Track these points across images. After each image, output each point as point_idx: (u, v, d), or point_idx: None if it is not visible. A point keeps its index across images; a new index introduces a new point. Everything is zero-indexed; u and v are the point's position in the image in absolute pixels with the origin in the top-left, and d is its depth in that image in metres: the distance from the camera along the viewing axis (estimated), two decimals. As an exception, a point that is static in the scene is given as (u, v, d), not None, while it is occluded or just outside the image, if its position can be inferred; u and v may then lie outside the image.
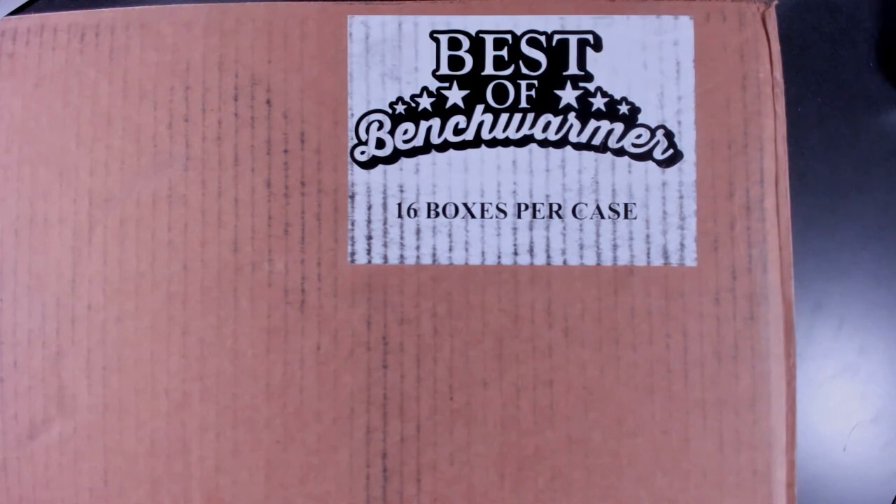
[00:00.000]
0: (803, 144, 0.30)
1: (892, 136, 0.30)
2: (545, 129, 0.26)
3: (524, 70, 0.26)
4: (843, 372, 0.30)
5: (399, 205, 0.26)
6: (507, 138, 0.26)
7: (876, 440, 0.30)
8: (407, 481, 0.25)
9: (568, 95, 0.26)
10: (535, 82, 0.26)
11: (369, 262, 0.26)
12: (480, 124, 0.26)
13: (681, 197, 0.26)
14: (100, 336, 0.26)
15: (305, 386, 0.26)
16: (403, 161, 0.26)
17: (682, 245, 0.26)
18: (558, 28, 0.26)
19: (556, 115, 0.26)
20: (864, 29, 0.31)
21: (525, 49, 0.26)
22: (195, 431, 0.25)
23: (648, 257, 0.26)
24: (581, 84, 0.26)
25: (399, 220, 0.26)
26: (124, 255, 0.26)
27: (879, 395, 0.30)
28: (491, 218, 0.26)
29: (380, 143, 0.26)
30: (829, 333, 0.30)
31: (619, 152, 0.26)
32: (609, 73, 0.26)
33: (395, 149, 0.26)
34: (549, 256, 0.26)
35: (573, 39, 0.26)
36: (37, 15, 0.27)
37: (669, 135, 0.26)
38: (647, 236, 0.26)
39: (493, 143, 0.26)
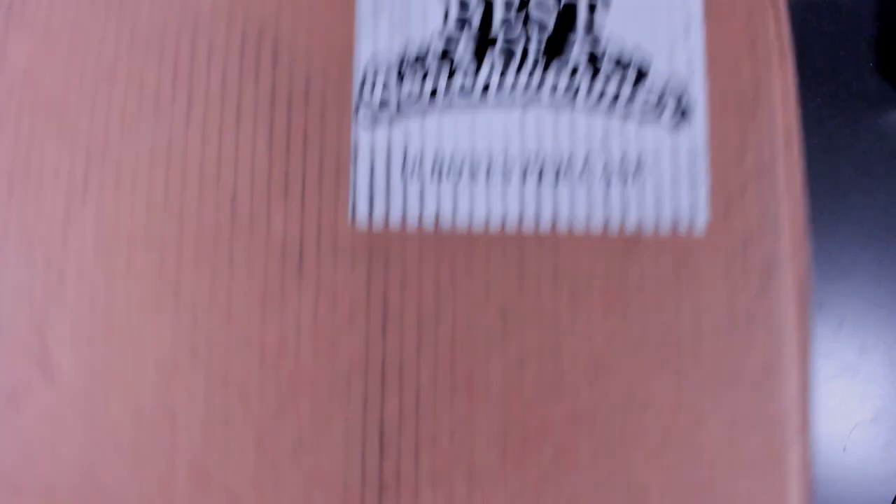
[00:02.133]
0: (803, 144, 0.30)
1: (892, 136, 0.30)
2: (553, 90, 0.26)
3: (532, 29, 0.26)
4: (843, 372, 0.29)
5: (402, 166, 0.26)
6: (514, 100, 0.26)
7: (876, 440, 0.29)
8: (405, 458, 0.24)
9: (576, 56, 0.26)
10: (544, 42, 0.26)
11: (370, 224, 0.25)
12: (487, 85, 0.26)
13: (690, 161, 0.25)
14: (89, 300, 0.25)
15: (301, 353, 0.25)
16: (408, 121, 0.26)
17: (691, 211, 0.25)
18: (567, -6, 0.26)
19: (563, 76, 0.26)
20: (864, 29, 0.31)
21: (533, 8, 0.26)
22: (184, 399, 0.24)
23: (657, 224, 0.25)
24: (589, 45, 0.26)
25: (402, 181, 0.25)
26: (119, 214, 0.25)
27: (879, 395, 0.29)
28: (496, 181, 0.25)
29: (385, 102, 0.26)
30: (829, 333, 0.29)
31: (628, 115, 0.26)
32: (618, 34, 0.26)
33: (401, 108, 0.26)
34: (555, 221, 0.25)
35: None
36: (41, -30, 0.27)
37: (679, 97, 0.26)
38: (656, 202, 0.25)
39: (499, 104, 0.26)
